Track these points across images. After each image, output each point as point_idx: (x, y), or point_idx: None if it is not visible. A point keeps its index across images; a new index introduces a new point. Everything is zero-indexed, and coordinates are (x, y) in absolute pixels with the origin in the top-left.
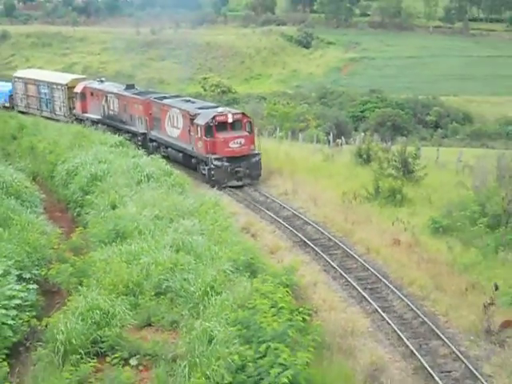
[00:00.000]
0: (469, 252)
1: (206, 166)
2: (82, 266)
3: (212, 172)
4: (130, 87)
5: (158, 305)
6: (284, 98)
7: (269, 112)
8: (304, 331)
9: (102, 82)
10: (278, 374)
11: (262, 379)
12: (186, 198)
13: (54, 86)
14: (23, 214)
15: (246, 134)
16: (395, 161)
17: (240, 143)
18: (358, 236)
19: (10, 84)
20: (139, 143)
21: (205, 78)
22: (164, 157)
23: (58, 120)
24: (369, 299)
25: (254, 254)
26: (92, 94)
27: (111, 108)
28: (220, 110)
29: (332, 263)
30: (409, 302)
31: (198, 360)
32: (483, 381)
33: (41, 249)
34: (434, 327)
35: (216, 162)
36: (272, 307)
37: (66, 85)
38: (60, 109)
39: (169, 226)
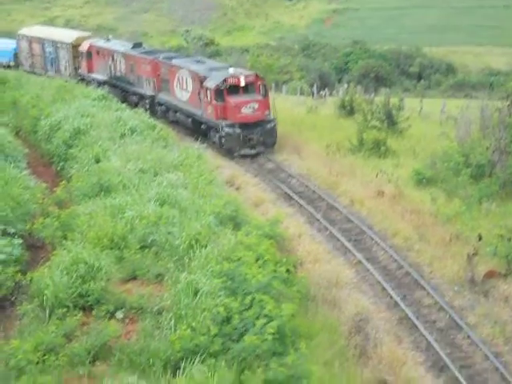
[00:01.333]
0: (452, 203)
1: (217, 132)
2: (66, 219)
3: (223, 140)
4: (137, 46)
5: (142, 258)
6: (267, 50)
7: (252, 64)
8: (289, 283)
9: (108, 40)
10: (264, 325)
11: (248, 330)
12: (169, 151)
13: (59, 45)
14: (6, 169)
15: (260, 97)
16: (379, 112)
17: (253, 108)
18: (342, 188)
19: (14, 42)
20: (147, 106)
21: (187, 31)
22: (173, 122)
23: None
24: (353, 251)
25: (238, 206)
26: (98, 53)
27: (118, 68)
28: (231, 71)
29: (316, 215)
30: (393, 253)
31: (183, 312)
32: (467, 330)
33: (25, 203)
34: (418, 278)
35: (227, 129)
36: (257, 259)
37: (71, 43)
38: (65, 69)
39: (153, 180)
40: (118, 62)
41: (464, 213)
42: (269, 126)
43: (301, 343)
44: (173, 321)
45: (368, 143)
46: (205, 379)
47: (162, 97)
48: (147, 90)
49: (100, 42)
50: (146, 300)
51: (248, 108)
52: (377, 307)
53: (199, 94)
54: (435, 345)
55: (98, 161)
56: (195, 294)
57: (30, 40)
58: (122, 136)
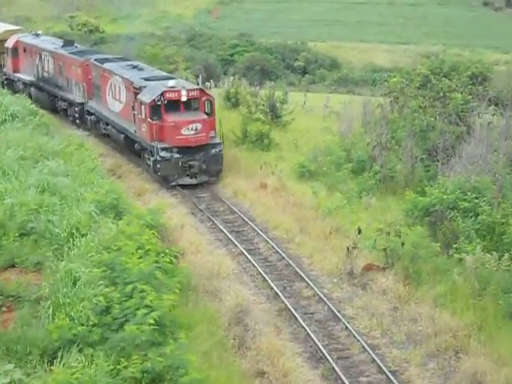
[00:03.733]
0: (333, 196)
1: (152, 156)
2: None
3: (158, 165)
4: (68, 44)
5: (21, 246)
6: (153, 39)
7: (137, 53)
8: (170, 273)
9: (37, 35)
10: (144, 315)
11: (128, 321)
12: (51, 138)
13: None
14: None
15: (205, 117)
16: (263, 105)
17: (196, 129)
18: (225, 180)
19: None
20: (76, 115)
21: (72, 17)
22: (105, 135)
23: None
24: (235, 242)
25: (120, 195)
26: (25, 51)
27: (46, 69)
28: (171, 83)
29: (199, 206)
30: (274, 245)
31: (62, 301)
32: (345, 322)
33: None
34: (298, 270)
35: (164, 153)
36: (138, 249)
37: None
38: None
39: (34, 167)
40: (46, 62)
41: (344, 206)
42: (213, 150)
43: (180, 333)
44: (51, 310)
45: (252, 135)
46: (82, 368)
47: (93, 105)
48: (77, 96)
49: (28, 38)
50: (24, 288)
51: (189, 129)
52: (257, 298)
53: (133, 107)
54: (313, 336)
55: None
56: (74, 283)
57: None
58: (3, 122)
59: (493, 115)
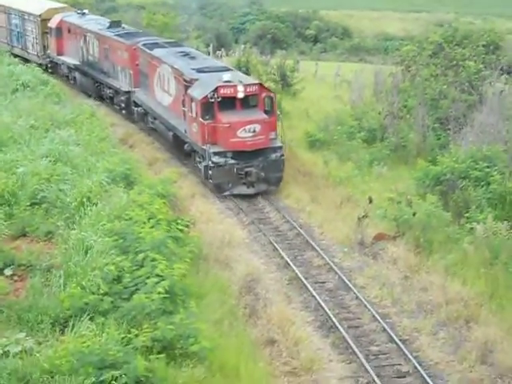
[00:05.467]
0: (344, 166)
1: (203, 160)
2: None
3: (210, 172)
4: (114, 25)
5: (32, 215)
6: (164, 8)
7: (148, 22)
8: (181, 242)
9: (83, 14)
10: (155, 284)
11: (139, 289)
12: (62, 107)
13: (26, 17)
14: None
15: (264, 116)
16: (274, 74)
17: (254, 131)
18: None
19: None
20: (122, 105)
21: None
22: (153, 129)
23: (29, 60)
24: (245, 211)
25: (131, 165)
26: (69, 31)
27: (90, 52)
28: (227, 77)
29: None
30: (285, 214)
31: (73, 270)
32: (356, 291)
33: None
34: (308, 239)
35: (216, 158)
36: (150, 218)
37: (40, 15)
38: (33, 46)
39: (45, 136)
40: (90, 45)
41: (355, 176)
42: (274, 155)
43: (191, 302)
44: (62, 278)
45: None
46: (93, 337)
47: (140, 95)
48: (123, 83)
49: (72, 18)
50: (36, 257)
51: (246, 131)
52: (268, 267)
53: (183, 102)
54: (324, 305)
55: None
56: (86, 252)
57: None
58: (14, 91)
59: (505, 84)
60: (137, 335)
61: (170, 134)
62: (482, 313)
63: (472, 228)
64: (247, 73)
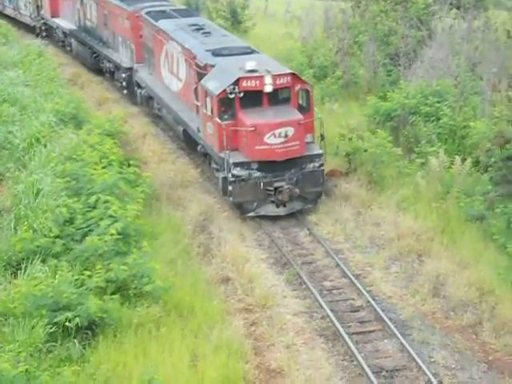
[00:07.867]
0: None
1: (221, 171)
2: None
3: (230, 187)
4: None
5: None
6: None
7: None
8: (134, 183)
9: None
10: (108, 225)
11: (91, 231)
12: (10, 48)
13: None
14: None
15: (299, 116)
16: (224, 11)
17: (286, 136)
18: None
19: None
20: (123, 83)
21: None
22: (158, 116)
23: (22, 22)
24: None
25: (80, 105)
26: None
27: (88, 16)
28: (250, 65)
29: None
30: None
31: (24, 213)
32: (309, 227)
33: None
34: None
35: (238, 171)
36: (101, 159)
37: None
38: (25, 6)
39: None
40: (88, 8)
41: None
42: (311, 165)
43: (144, 243)
44: (13, 222)
45: None
46: (45, 279)
47: (143, 75)
48: (124, 57)
49: None
50: None
51: (276, 135)
52: (221, 206)
53: (196, 91)
54: (277, 242)
55: None
56: (37, 194)
57: None
58: None
59: (454, 19)
60: (90, 276)
61: (180, 128)
62: (434, 247)
63: (423, 163)
64: (197, 10)
